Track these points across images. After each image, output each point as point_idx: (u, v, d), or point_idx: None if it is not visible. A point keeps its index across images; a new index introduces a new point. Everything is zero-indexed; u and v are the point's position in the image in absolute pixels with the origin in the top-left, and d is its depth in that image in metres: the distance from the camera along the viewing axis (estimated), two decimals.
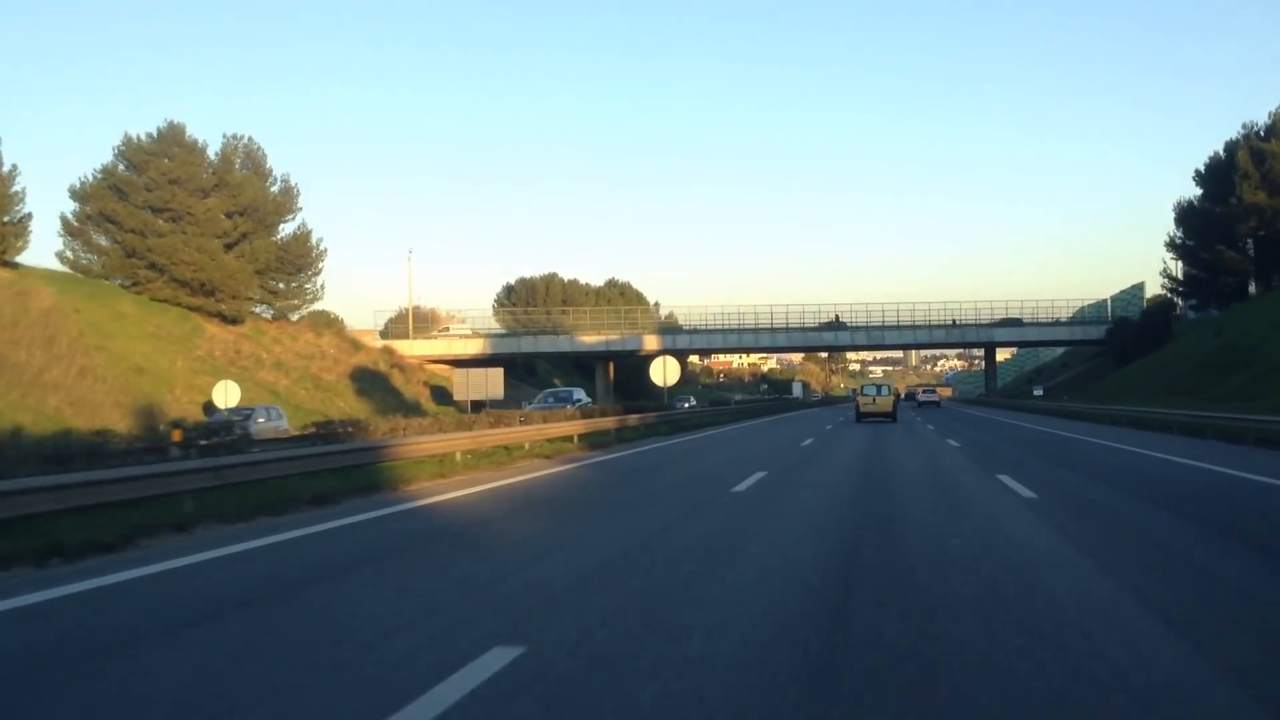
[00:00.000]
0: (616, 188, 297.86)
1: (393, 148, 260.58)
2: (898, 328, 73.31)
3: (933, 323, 73.63)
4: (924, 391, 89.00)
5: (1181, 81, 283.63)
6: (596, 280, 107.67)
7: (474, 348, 68.33)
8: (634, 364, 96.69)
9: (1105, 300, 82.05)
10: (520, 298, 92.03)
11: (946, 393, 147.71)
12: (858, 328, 73.10)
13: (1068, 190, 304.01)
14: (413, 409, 54.54)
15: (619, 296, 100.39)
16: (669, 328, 73.81)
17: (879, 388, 47.36)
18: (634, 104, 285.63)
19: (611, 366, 75.57)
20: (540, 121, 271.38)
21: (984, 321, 74.17)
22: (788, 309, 73.02)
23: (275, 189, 54.97)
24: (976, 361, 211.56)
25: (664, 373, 35.53)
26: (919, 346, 79.02)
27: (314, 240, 56.19)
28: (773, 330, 72.26)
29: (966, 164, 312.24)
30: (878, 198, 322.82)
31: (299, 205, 55.71)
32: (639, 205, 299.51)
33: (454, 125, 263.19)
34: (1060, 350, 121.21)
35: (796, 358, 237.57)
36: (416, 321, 71.64)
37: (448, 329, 73.06)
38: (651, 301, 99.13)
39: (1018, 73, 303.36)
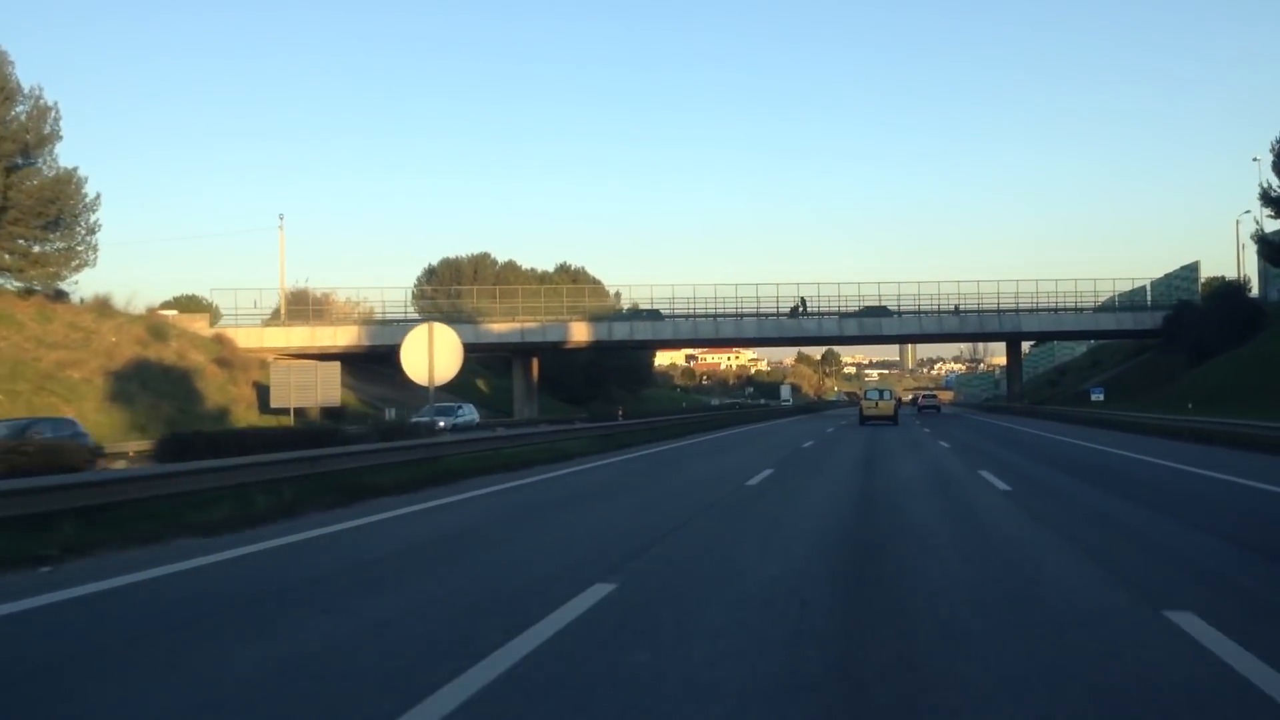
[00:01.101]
0: (578, 168, 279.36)
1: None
2: (898, 315, 56.26)
3: (942, 309, 56.63)
4: (924, 397, 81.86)
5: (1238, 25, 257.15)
6: (545, 265, 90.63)
7: (345, 338, 51.09)
8: (578, 359, 79.90)
9: (1144, 285, 64.76)
10: (444, 281, 74.65)
11: (947, 396, 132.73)
12: (849, 315, 56.02)
13: (1094, 155, 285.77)
14: (214, 419, 37.47)
15: (571, 284, 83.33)
16: (603, 313, 56.60)
17: (881, 392, 45.75)
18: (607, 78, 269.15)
19: (535, 363, 58.34)
20: (481, 91, 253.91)
21: (1007, 308, 57.10)
22: (758, 289, 55.98)
23: (22, 110, 37.92)
24: (980, 364, 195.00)
25: (427, 357, 18.36)
26: (925, 339, 61.42)
27: (77, 181, 39.00)
28: (739, 318, 55.19)
29: (972, 125, 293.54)
30: (877, 167, 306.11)
31: (57, 133, 38.61)
32: (609, 189, 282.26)
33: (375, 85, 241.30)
34: (1082, 347, 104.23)
35: (789, 359, 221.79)
36: (306, 307, 54.34)
37: (326, 312, 55.62)
38: (612, 291, 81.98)
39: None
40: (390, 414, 43.64)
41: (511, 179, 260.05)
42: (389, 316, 55.70)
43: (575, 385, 79.50)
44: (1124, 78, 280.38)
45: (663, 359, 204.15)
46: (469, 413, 41.89)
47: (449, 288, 69.08)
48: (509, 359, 58.82)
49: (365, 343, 51.18)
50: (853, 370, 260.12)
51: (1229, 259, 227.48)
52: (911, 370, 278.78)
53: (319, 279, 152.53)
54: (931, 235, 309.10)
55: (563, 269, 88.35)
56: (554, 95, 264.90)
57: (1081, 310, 57.62)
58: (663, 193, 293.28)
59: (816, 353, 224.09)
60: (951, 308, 56.63)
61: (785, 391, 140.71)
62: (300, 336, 50.79)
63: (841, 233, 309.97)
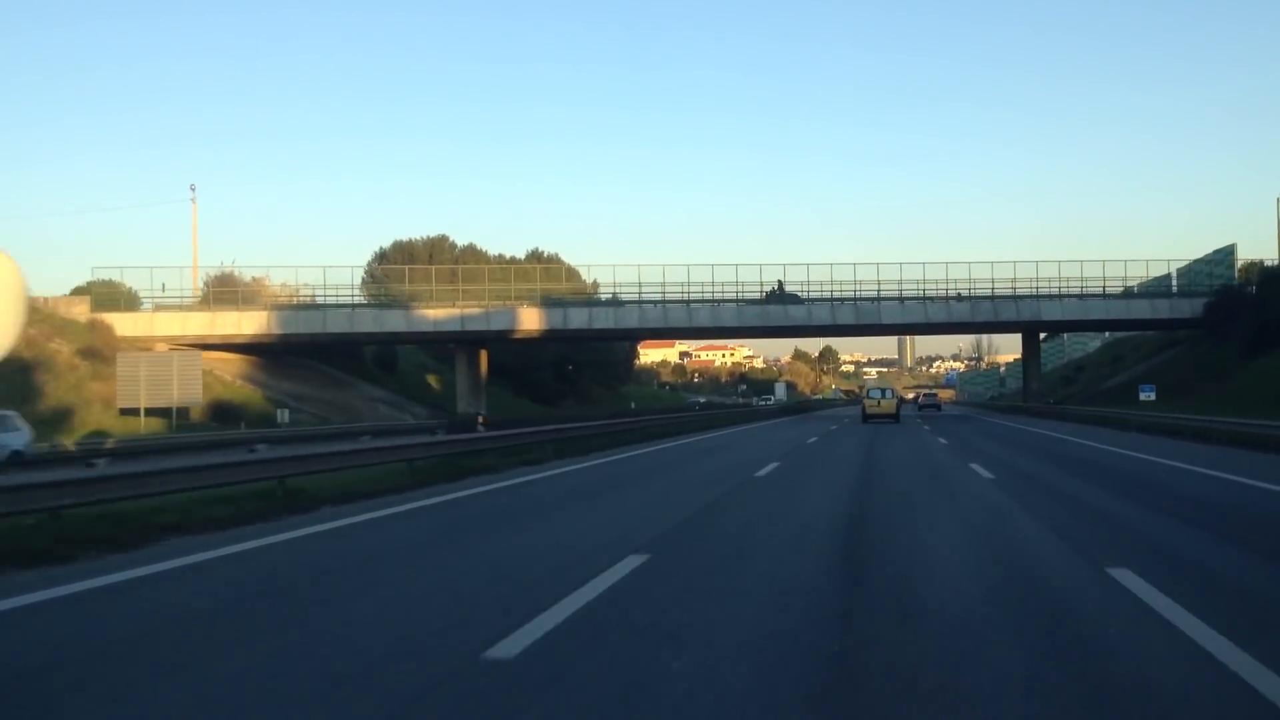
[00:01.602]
0: (549, 155, 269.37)
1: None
2: (900, 301, 48.36)
3: (950, 295, 48.73)
4: (924, 395, 78.63)
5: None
6: (514, 250, 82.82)
7: (252, 325, 43.01)
8: (544, 353, 72.00)
9: (1169, 272, 56.68)
10: (396, 265, 66.52)
11: (947, 395, 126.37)
12: (843, 300, 48.12)
13: (1098, 147, 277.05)
14: (48, 422, 29.61)
15: (543, 273, 75.36)
16: (555, 298, 48.57)
17: (883, 391, 45.50)
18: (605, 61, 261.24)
19: (483, 356, 50.42)
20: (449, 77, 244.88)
21: (1024, 294, 49.18)
22: (738, 271, 48.03)
23: None
24: (980, 361, 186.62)
25: None
26: (930, 330, 53.46)
27: None
28: (715, 304, 47.25)
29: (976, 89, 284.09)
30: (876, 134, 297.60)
31: None
32: (588, 176, 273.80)
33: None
34: (1095, 341, 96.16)
35: (785, 356, 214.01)
36: (233, 290, 46.19)
37: (257, 297, 47.37)
38: (589, 279, 73.61)
39: None
40: (283, 417, 35.76)
41: (478, 162, 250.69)
42: (328, 301, 47.38)
43: (542, 382, 71.63)
44: (1130, 65, 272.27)
45: (654, 355, 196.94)
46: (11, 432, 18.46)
47: (403, 267, 60.79)
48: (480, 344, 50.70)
49: (275, 330, 43.22)
50: (851, 368, 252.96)
51: (1260, 242, 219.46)
52: (910, 368, 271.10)
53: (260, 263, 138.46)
54: (934, 219, 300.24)
55: (535, 255, 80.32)
56: (529, 84, 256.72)
57: (1109, 297, 49.69)
58: (649, 179, 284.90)
59: (814, 350, 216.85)
60: (960, 294, 48.77)
61: (780, 390, 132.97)
62: (198, 323, 42.82)
63: (836, 213, 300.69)
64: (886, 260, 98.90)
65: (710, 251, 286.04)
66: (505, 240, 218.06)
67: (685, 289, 47.33)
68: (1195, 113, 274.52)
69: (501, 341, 49.62)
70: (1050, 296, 49.14)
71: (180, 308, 43.97)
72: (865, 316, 47.90)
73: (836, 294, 48.21)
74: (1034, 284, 49.13)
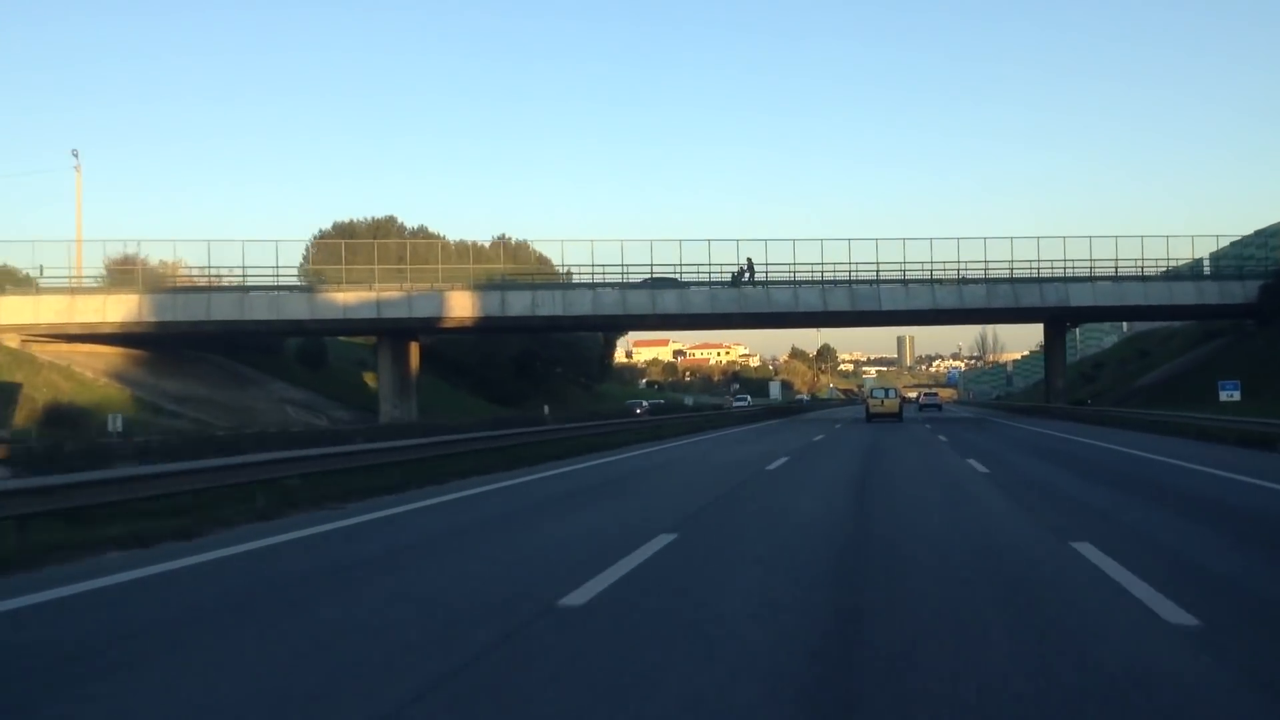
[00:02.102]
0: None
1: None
2: (903, 284, 40.59)
3: (964, 277, 40.98)
4: (925, 395, 77.42)
5: None
6: (478, 236, 75.10)
7: (119, 311, 35.12)
8: (506, 348, 64.19)
9: (1211, 254, 48.70)
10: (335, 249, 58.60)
11: (948, 394, 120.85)
12: (835, 283, 40.36)
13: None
14: None
15: (510, 261, 67.60)
16: (492, 281, 40.64)
17: (886, 391, 44.51)
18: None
19: (414, 349, 42.63)
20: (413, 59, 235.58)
21: (1050, 275, 41.41)
22: (710, 248, 40.18)
23: None
24: (980, 360, 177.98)
25: None
26: (938, 318, 45.33)
27: None
28: (684, 287, 39.52)
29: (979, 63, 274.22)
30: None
31: None
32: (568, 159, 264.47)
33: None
34: (1113, 335, 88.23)
35: (783, 355, 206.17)
36: (130, 271, 38.27)
37: (167, 280, 39.39)
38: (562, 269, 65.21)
39: None
40: (115, 424, 27.95)
41: (441, 147, 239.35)
42: (252, 284, 39.18)
43: (503, 381, 63.83)
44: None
45: (646, 354, 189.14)
46: None
47: (338, 242, 52.67)
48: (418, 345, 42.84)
49: (148, 318, 35.39)
50: (850, 367, 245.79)
51: None
52: (910, 367, 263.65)
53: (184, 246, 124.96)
54: (942, 191, 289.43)
55: (501, 242, 72.39)
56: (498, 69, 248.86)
57: (1148, 279, 41.85)
58: (629, 165, 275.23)
59: (812, 348, 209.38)
60: (974, 275, 40.98)
61: (775, 389, 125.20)
62: (52, 309, 35.01)
63: (827, 184, 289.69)
64: (887, 236, 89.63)
65: (694, 232, 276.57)
66: (473, 230, 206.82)
67: (650, 271, 39.65)
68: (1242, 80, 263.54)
69: (431, 331, 41.95)
70: (1080, 279, 41.35)
71: (65, 290, 35.99)
72: (862, 302, 40.10)
73: (828, 275, 40.53)
74: (1061, 265, 41.39)
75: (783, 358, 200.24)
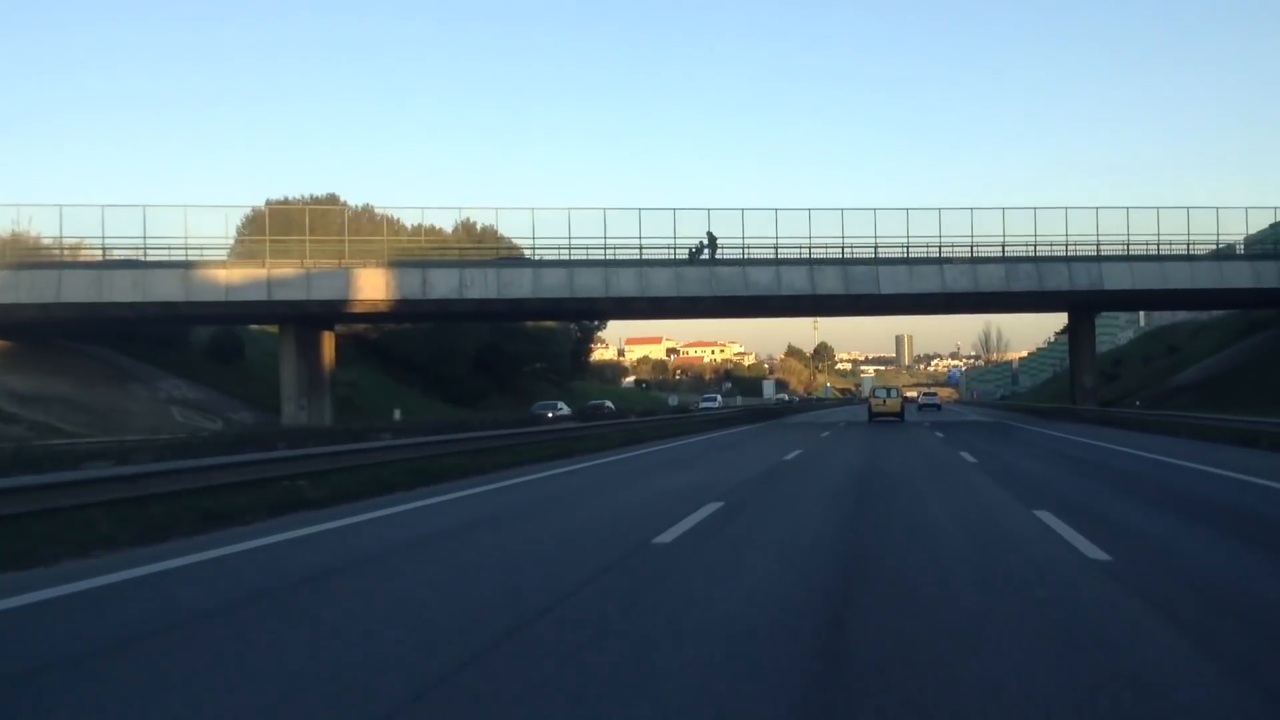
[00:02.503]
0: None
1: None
2: (905, 264, 33.84)
3: (978, 254, 34.26)
4: (924, 395, 77.56)
5: None
6: (440, 222, 68.15)
7: None
8: (463, 340, 57.26)
9: (1254, 236, 41.74)
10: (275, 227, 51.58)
11: (946, 394, 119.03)
12: (825, 262, 33.61)
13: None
14: None
15: (474, 248, 60.84)
16: (412, 258, 33.74)
17: (888, 391, 44.43)
18: None
19: (328, 339, 35.85)
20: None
21: (1081, 255, 34.66)
22: (675, 218, 33.37)
23: None
24: (978, 359, 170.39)
25: None
26: (946, 304, 38.41)
27: None
28: (643, 266, 32.72)
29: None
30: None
31: None
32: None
33: None
34: (1128, 330, 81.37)
35: (779, 353, 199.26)
36: (18, 254, 31.27)
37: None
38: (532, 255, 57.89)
39: None
40: None
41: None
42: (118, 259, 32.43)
43: (460, 379, 56.99)
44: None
45: (638, 351, 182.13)
46: None
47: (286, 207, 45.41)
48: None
49: None
50: (848, 366, 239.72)
51: None
52: (908, 366, 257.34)
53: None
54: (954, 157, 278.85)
55: (465, 227, 65.56)
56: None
57: (1194, 259, 35.07)
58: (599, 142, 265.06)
59: (808, 346, 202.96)
60: (991, 254, 34.24)
61: (769, 389, 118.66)
62: None
63: (814, 146, 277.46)
64: (888, 205, 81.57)
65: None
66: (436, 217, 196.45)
67: (603, 247, 32.84)
68: None
69: (342, 319, 35.19)
70: (1115, 258, 34.58)
71: None
72: (857, 284, 33.31)
73: (818, 253, 33.78)
74: (1093, 241, 34.61)
75: (779, 356, 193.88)
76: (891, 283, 33.43)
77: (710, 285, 32.80)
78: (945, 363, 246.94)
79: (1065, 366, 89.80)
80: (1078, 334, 39.25)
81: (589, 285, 32.11)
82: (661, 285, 32.52)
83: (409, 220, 48.51)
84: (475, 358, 58.74)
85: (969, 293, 34.02)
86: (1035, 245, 34.36)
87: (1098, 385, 39.77)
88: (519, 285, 31.82)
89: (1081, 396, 38.61)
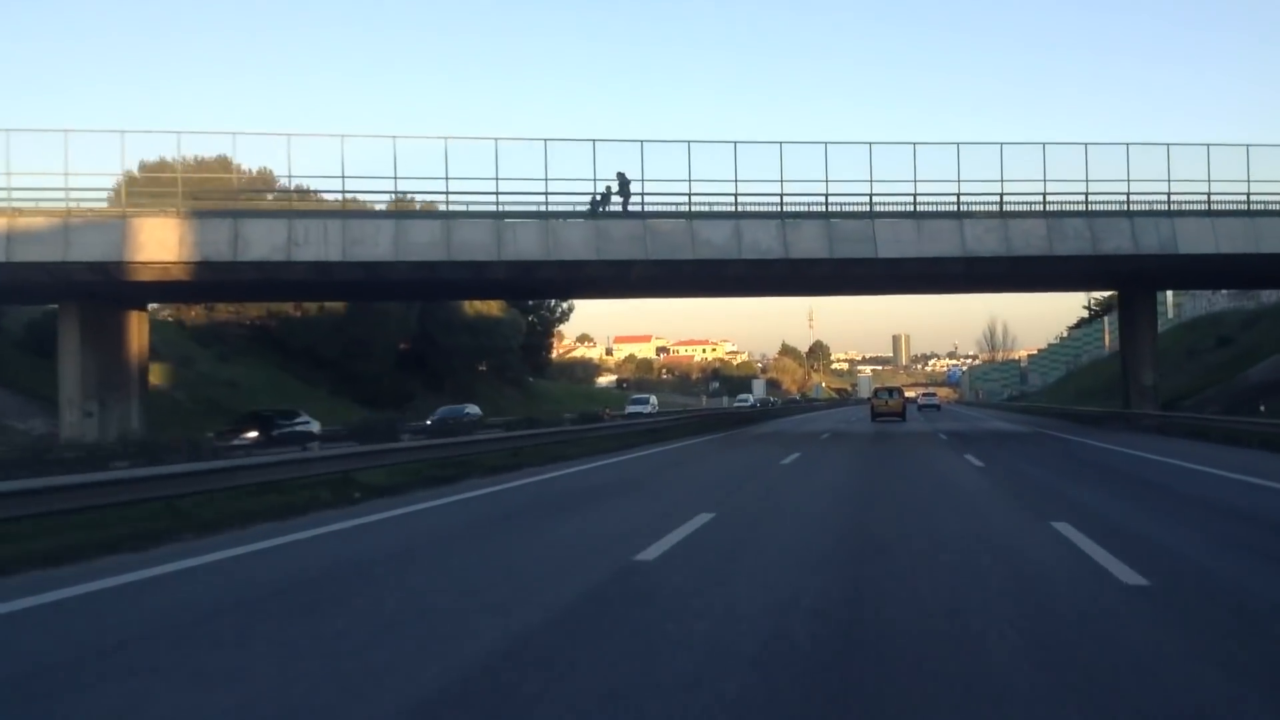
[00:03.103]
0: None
1: None
2: (913, 218, 24.61)
3: (1008, 210, 25.02)
4: (924, 395, 78.45)
5: None
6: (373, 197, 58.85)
7: None
8: (385, 325, 47.42)
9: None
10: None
11: (946, 394, 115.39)
12: (803, 216, 24.39)
13: None
14: None
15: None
16: (224, 210, 24.44)
17: (891, 391, 45.49)
18: None
19: (136, 320, 26.52)
20: None
21: (1148, 208, 25.44)
22: (595, 151, 24.06)
23: None
24: (976, 358, 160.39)
25: None
26: (968, 284, 28.97)
27: None
28: (548, 219, 23.52)
29: None
30: None
31: None
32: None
33: None
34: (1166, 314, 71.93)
35: (772, 351, 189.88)
36: None
37: None
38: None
39: None
40: None
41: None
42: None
43: (378, 376, 47.54)
44: None
45: (627, 350, 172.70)
46: None
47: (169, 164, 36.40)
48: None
49: None
50: (845, 366, 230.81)
51: None
52: (906, 366, 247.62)
53: None
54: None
55: (401, 200, 56.05)
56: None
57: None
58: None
59: (804, 344, 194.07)
60: (1025, 207, 24.99)
61: (758, 388, 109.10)
62: None
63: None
64: (888, 139, 69.39)
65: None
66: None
67: (495, 191, 23.51)
68: None
69: (144, 294, 25.83)
70: (1194, 212, 25.31)
71: None
72: (846, 245, 23.98)
73: (791, 204, 24.51)
74: (1163, 190, 25.33)
75: (772, 355, 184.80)
76: (893, 243, 24.13)
77: (644, 246, 23.51)
78: (943, 362, 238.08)
79: (1078, 365, 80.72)
80: (1134, 316, 29.82)
81: (473, 244, 22.85)
82: (575, 245, 23.25)
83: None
84: (400, 352, 49.52)
85: (998, 257, 24.67)
86: (1087, 195, 25.14)
87: (1158, 383, 30.41)
88: (374, 244, 22.54)
89: (1138, 397, 29.33)
